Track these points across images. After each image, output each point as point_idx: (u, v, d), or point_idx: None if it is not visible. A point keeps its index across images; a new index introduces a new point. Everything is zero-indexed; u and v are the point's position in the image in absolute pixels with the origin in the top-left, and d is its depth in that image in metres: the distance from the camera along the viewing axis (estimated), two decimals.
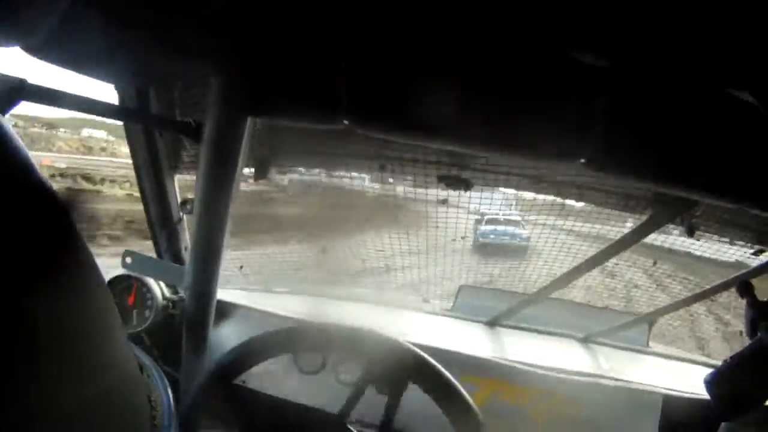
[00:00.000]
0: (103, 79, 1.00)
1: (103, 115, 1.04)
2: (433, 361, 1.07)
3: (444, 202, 1.57)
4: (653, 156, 0.92)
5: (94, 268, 0.39)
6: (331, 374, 1.47)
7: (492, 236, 2.08)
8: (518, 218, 1.75)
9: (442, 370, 1.07)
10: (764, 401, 1.03)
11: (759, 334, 1.04)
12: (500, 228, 2.00)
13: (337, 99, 0.94)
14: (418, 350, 1.08)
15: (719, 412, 1.10)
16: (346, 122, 0.95)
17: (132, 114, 1.19)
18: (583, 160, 0.93)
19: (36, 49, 0.73)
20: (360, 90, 0.94)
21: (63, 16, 0.57)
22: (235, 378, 1.10)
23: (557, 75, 0.90)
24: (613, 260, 1.54)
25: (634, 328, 1.84)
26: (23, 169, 0.35)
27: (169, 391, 0.65)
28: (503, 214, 1.66)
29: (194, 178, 1.38)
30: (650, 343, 1.93)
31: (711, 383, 1.05)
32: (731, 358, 1.05)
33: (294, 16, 0.91)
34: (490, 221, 1.88)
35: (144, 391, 0.50)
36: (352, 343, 1.13)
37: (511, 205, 1.60)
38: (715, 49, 0.74)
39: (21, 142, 0.35)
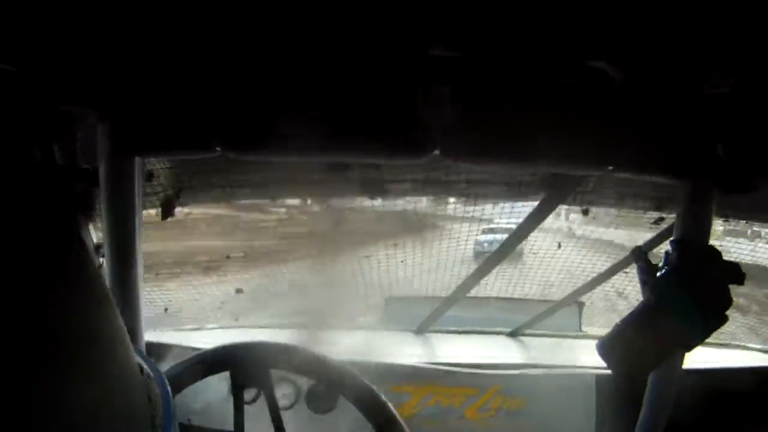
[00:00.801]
0: None
1: None
2: (362, 379, 1.07)
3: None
4: (511, 137, 0.93)
5: (93, 266, 0.38)
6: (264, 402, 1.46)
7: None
8: None
9: (372, 386, 1.06)
10: (659, 361, 1.03)
11: (644, 294, 1.05)
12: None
13: (208, 128, 0.98)
14: (348, 367, 1.08)
15: (618, 378, 1.11)
16: (218, 149, 0.99)
17: (38, 169, 1.15)
18: (437, 152, 0.94)
19: None
20: (226, 118, 0.98)
21: None
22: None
23: (407, 68, 0.91)
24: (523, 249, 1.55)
25: (565, 315, 1.85)
26: (22, 167, 0.34)
27: (170, 392, 0.64)
28: None
29: None
30: (583, 328, 1.94)
31: (603, 348, 1.03)
32: (620, 321, 1.04)
33: (165, 57, 0.93)
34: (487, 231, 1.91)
35: (144, 391, 0.47)
36: (287, 360, 1.11)
37: None
38: (564, 20, 0.74)
39: (20, 141, 0.36)
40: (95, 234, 1.36)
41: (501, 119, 0.93)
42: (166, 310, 1.80)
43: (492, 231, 1.86)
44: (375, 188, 1.32)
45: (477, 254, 1.98)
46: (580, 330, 1.94)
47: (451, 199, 1.60)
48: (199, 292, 1.89)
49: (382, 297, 1.98)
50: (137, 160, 1.07)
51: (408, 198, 1.46)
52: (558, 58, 0.87)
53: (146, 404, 0.47)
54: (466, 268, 1.90)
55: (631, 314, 1.04)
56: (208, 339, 1.62)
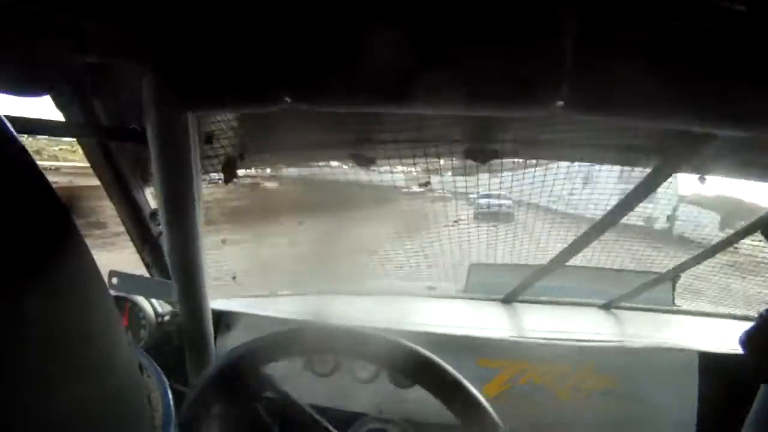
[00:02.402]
0: (28, 94, 0.94)
1: (49, 134, 0.99)
2: (439, 361, 0.99)
3: (426, 184, 1.50)
4: (638, 87, 0.79)
5: (94, 267, 0.38)
6: (346, 374, 1.44)
7: (489, 207, 2.02)
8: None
9: (449, 369, 0.99)
10: None
11: None
12: (492, 200, 1.93)
13: (275, 78, 0.88)
14: (422, 351, 1.00)
15: (757, 370, 1.02)
16: (288, 100, 0.87)
17: (77, 128, 1.12)
18: (560, 103, 0.82)
19: None
20: (298, 65, 0.86)
21: None
22: (239, 381, 1.02)
23: (518, 11, 0.80)
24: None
25: (658, 288, 1.75)
26: (24, 168, 0.34)
27: (169, 391, 0.63)
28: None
29: None
30: (676, 302, 1.84)
31: (746, 340, 0.98)
32: (766, 311, 0.97)
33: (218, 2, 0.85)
34: (483, 196, 1.82)
35: (144, 391, 0.50)
36: (354, 348, 1.05)
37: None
38: None
39: (21, 141, 0.35)
40: (152, 200, 1.35)
41: (625, 70, 0.80)
42: (234, 277, 1.79)
43: (488, 196, 1.78)
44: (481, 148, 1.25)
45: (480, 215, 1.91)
46: (674, 304, 1.83)
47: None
48: (266, 257, 1.88)
49: (464, 264, 1.92)
50: (190, 115, 0.98)
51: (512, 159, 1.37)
52: None
53: (146, 404, 0.49)
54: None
55: None
56: (278, 307, 1.60)
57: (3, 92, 0.84)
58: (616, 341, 1.50)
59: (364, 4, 0.81)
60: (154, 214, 1.33)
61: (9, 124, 0.34)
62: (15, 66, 0.83)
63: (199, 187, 1.06)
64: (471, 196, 1.75)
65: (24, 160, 0.34)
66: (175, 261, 1.15)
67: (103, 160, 1.21)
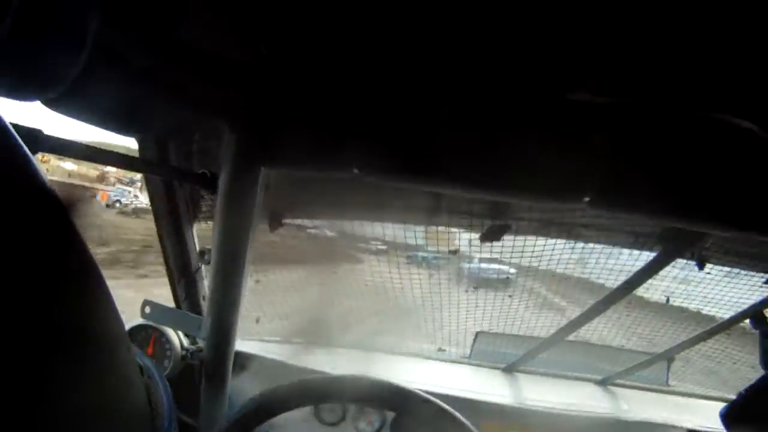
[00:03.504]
0: (118, 132, 1.03)
1: (121, 167, 1.07)
2: (448, 408, 1.05)
3: (455, 252, 1.59)
4: (656, 190, 0.92)
5: (95, 269, 0.39)
6: (350, 425, 1.48)
7: (491, 273, 2.10)
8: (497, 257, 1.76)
9: (460, 417, 1.04)
10: None
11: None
12: (490, 266, 2.01)
13: (347, 148, 0.96)
14: (433, 398, 1.06)
15: None
16: (356, 171, 0.97)
17: (150, 165, 1.21)
18: (587, 199, 0.94)
19: (55, 103, 0.77)
20: (370, 140, 0.96)
21: (81, 71, 0.58)
22: (256, 427, 1.07)
23: (555, 116, 0.91)
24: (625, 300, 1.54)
25: (653, 368, 1.82)
26: (25, 170, 0.35)
27: (170, 393, 0.65)
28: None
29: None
30: (670, 382, 1.90)
31: (727, 417, 1.04)
32: (745, 390, 1.04)
33: (302, 68, 0.95)
34: (483, 261, 1.90)
35: (144, 393, 0.50)
36: (370, 394, 1.10)
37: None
38: (711, 79, 0.77)
39: (23, 144, 0.36)
40: (197, 238, 1.41)
41: (655, 172, 0.93)
42: (257, 320, 1.84)
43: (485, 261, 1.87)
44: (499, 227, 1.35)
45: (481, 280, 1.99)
46: (667, 384, 1.90)
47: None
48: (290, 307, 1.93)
49: (472, 331, 1.98)
50: (263, 170, 1.08)
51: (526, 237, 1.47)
52: (691, 110, 0.88)
53: (146, 405, 0.50)
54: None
55: (757, 383, 1.03)
56: (292, 354, 1.65)
57: (104, 128, 0.94)
58: (611, 416, 1.56)
59: (432, 99, 0.93)
60: (203, 252, 1.40)
61: (9, 126, 0.35)
62: (120, 109, 0.93)
63: (254, 232, 1.14)
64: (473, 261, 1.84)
65: (25, 163, 0.35)
66: (215, 299, 1.21)
67: (163, 195, 1.30)
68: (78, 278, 0.37)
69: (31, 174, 0.35)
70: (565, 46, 0.78)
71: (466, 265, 2.03)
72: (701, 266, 1.44)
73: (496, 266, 1.98)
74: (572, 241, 1.50)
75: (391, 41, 0.84)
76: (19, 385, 0.31)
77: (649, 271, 1.37)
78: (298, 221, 1.55)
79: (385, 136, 0.96)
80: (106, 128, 0.97)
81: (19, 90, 0.57)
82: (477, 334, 1.97)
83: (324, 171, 1.05)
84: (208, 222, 1.40)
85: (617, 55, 0.78)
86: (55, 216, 0.37)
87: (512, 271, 1.98)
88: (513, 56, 0.83)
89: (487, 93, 0.92)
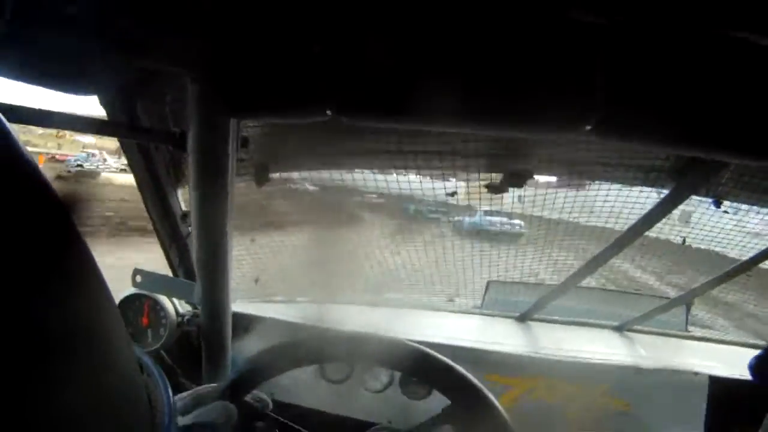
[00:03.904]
0: (76, 93, 0.97)
1: (91, 132, 1.02)
2: (454, 365, 1.01)
3: (453, 194, 1.52)
4: (665, 115, 0.83)
5: (94, 267, 0.38)
6: (357, 382, 1.45)
7: (498, 225, 2.04)
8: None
9: (465, 374, 1.00)
10: None
11: None
12: (498, 218, 1.95)
13: (319, 90, 0.88)
14: (438, 355, 1.02)
15: (765, 397, 1.03)
16: (328, 113, 0.89)
17: (119, 128, 1.14)
18: (589, 127, 0.85)
19: (8, 70, 0.74)
20: (342, 78, 0.87)
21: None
22: (256, 388, 1.04)
23: (554, 38, 0.82)
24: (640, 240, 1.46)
25: (672, 312, 1.76)
26: (23, 168, 0.34)
27: (170, 390, 0.64)
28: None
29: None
30: (690, 327, 1.84)
31: (755, 368, 1.02)
32: None
33: (265, 10, 0.87)
34: (488, 213, 1.84)
35: (144, 390, 0.49)
36: (373, 352, 1.06)
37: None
38: None
39: (20, 141, 0.35)
40: (183, 202, 1.37)
41: (650, 103, 0.84)
42: (256, 281, 1.81)
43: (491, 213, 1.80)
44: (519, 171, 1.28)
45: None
46: (686, 330, 1.84)
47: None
48: (287, 262, 1.89)
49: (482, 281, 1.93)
50: (232, 122, 1.01)
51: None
52: (702, 27, 0.79)
53: (146, 403, 0.49)
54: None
55: None
56: (295, 313, 1.61)
57: (55, 90, 0.88)
58: (629, 363, 1.51)
59: (410, 26, 0.83)
60: (185, 215, 1.35)
61: (7, 123, 0.34)
62: (69, 67, 0.87)
63: (232, 190, 1.08)
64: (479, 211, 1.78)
65: (24, 159, 0.34)
66: (202, 262, 1.17)
67: (141, 160, 1.24)
68: (78, 277, 0.37)
69: (29, 172, 0.34)
70: None
71: (468, 219, 1.98)
72: (718, 204, 1.36)
73: (501, 219, 1.92)
74: (578, 182, 1.43)
75: None
76: (18, 385, 0.30)
77: (663, 209, 1.30)
78: (286, 174, 1.49)
79: (361, 70, 0.87)
80: (65, 91, 0.91)
81: None
82: (488, 283, 1.93)
83: (295, 117, 0.98)
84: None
85: None
86: (54, 214, 0.36)
87: (521, 223, 1.92)
88: None
89: (479, 13, 0.83)
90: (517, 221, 1.89)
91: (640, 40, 0.81)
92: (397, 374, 1.46)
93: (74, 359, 0.34)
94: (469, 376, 0.99)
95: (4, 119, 0.34)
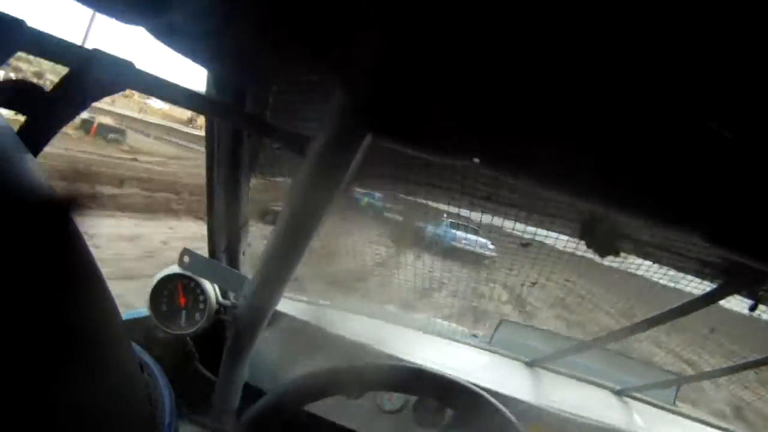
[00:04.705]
0: (214, 71, 0.98)
1: (216, 115, 0.98)
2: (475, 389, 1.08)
3: (527, 245, 1.53)
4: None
5: (95, 266, 0.39)
6: (371, 400, 1.46)
7: (464, 241, 2.06)
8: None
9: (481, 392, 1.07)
10: None
11: None
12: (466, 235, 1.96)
13: (473, 135, 0.86)
14: (474, 387, 1.09)
15: None
16: (476, 160, 0.87)
17: (230, 112, 1.09)
18: (706, 231, 0.89)
19: (159, 33, 0.70)
20: (496, 130, 0.86)
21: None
22: (295, 410, 1.09)
23: (685, 142, 0.85)
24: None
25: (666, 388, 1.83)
26: (23, 168, 0.34)
27: (170, 389, 0.65)
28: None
29: (262, 182, 1.33)
30: (677, 403, 1.92)
31: None
32: None
33: (438, 38, 0.81)
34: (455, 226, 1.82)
35: (144, 389, 0.51)
36: (405, 383, 1.13)
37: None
38: None
39: (21, 142, 0.36)
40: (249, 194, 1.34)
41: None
42: (295, 279, 1.78)
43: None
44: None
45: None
46: (674, 404, 1.91)
47: None
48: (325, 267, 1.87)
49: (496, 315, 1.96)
50: (368, 138, 0.95)
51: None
52: None
53: (147, 403, 0.50)
54: None
55: None
56: (319, 315, 1.61)
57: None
58: (623, 428, 1.56)
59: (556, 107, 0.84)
60: (266, 212, 1.32)
61: (8, 124, 0.35)
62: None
63: (335, 200, 1.04)
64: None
65: (24, 159, 0.35)
66: (272, 261, 1.14)
67: (229, 143, 1.21)
68: (78, 277, 0.37)
69: (30, 172, 0.35)
70: (711, 70, 0.70)
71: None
72: (754, 307, 1.41)
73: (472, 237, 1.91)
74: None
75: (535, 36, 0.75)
76: (19, 385, 0.30)
77: (706, 300, 1.34)
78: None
79: (510, 129, 0.86)
80: (208, 66, 0.93)
81: (128, 14, 0.59)
82: (500, 321, 1.95)
83: (437, 156, 0.94)
84: (265, 177, 1.31)
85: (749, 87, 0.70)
86: (54, 214, 0.36)
87: (490, 246, 1.94)
88: (663, 80, 0.74)
89: (628, 108, 0.84)
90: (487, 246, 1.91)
91: (760, 154, 0.84)
92: (413, 399, 1.47)
93: (75, 360, 0.34)
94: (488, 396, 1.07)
95: (5, 120, 0.35)
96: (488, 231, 1.41)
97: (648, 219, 0.95)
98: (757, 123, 0.79)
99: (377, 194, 1.67)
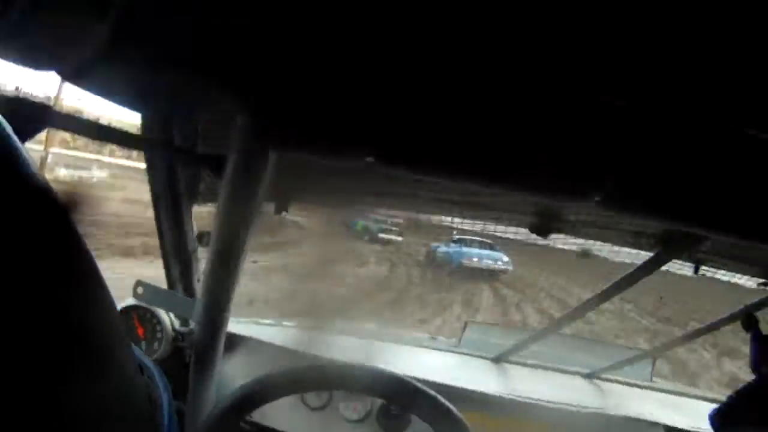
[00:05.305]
0: (133, 109, 1.00)
1: (128, 146, 1.02)
2: (433, 393, 1.08)
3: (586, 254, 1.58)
4: (667, 194, 0.91)
5: (94, 268, 0.39)
6: (335, 411, 1.48)
7: (475, 259, 2.11)
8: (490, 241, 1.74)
9: (442, 400, 1.07)
10: None
11: (763, 368, 1.05)
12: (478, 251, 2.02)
13: (362, 136, 0.92)
14: (420, 384, 1.08)
15: None
16: (370, 159, 0.92)
17: (157, 145, 1.17)
18: (597, 199, 0.93)
19: (71, 76, 0.73)
20: (388, 127, 0.91)
21: (99, 46, 0.57)
22: (248, 414, 1.10)
23: (576, 115, 0.91)
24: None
25: (638, 364, 1.85)
26: (22, 169, 0.35)
27: (170, 391, 0.64)
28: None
29: (209, 209, 1.38)
30: (654, 379, 1.94)
31: (715, 418, 1.07)
32: (735, 393, 1.06)
33: (320, 51, 0.88)
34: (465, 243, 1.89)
35: (144, 391, 0.50)
36: (362, 382, 1.13)
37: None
38: (723, 89, 0.76)
39: (20, 143, 0.35)
40: (194, 221, 1.38)
41: (665, 177, 0.93)
42: (251, 302, 1.82)
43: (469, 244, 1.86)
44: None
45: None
46: (651, 380, 1.93)
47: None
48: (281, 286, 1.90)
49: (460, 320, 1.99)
50: (271, 154, 1.02)
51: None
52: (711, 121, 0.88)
53: (146, 404, 0.50)
54: None
55: (746, 386, 1.04)
56: (282, 335, 1.64)
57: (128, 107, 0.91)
58: (593, 410, 1.59)
59: (457, 93, 0.88)
60: (202, 235, 1.37)
61: (7, 126, 0.35)
62: (147, 87, 0.90)
63: (257, 216, 1.10)
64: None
65: (23, 161, 0.35)
66: (211, 282, 1.17)
67: (164, 175, 1.26)
68: (78, 278, 0.37)
69: (28, 172, 0.35)
70: (596, 47, 0.76)
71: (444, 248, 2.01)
72: (697, 269, 1.45)
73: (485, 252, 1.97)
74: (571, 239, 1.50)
75: (422, 23, 0.80)
76: (20, 385, 0.30)
77: (646, 270, 1.38)
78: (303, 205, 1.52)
79: (402, 125, 0.91)
80: (121, 104, 0.93)
81: (36, 60, 0.58)
82: (466, 323, 1.98)
83: (334, 159, 0.99)
84: (207, 204, 1.36)
85: (642, 58, 0.76)
86: (54, 215, 0.36)
87: (505, 259, 1.99)
88: (548, 51, 0.80)
89: (513, 86, 0.89)
90: (501, 258, 1.96)
91: (652, 125, 0.89)
92: (376, 407, 1.50)
93: (75, 361, 0.35)
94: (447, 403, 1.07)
95: (4, 122, 0.35)
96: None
97: (539, 194, 1.01)
98: (642, 88, 0.85)
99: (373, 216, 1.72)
